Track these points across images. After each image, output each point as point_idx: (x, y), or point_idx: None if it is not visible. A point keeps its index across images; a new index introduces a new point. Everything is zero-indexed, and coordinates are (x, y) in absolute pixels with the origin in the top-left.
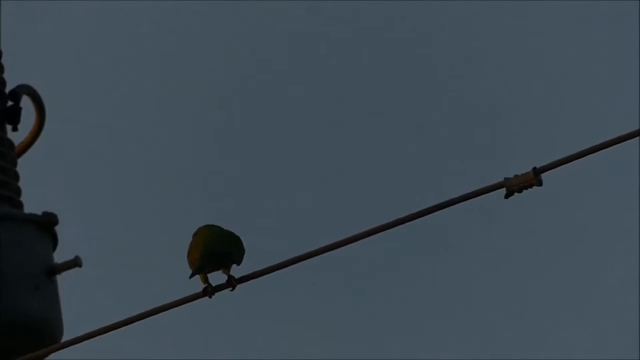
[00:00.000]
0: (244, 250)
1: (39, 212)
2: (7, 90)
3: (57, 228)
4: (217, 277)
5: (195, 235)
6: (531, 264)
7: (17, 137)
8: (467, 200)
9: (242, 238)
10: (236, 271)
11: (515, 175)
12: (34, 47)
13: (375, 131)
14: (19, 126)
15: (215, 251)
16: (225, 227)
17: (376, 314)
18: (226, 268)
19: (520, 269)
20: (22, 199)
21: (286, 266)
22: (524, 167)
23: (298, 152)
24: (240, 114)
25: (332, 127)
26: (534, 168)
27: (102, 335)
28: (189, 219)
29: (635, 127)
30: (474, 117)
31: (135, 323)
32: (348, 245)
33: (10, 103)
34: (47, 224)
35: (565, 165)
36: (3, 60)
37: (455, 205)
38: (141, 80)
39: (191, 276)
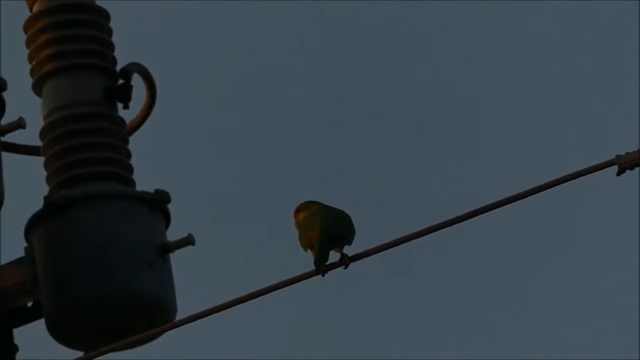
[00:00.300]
0: (355, 231)
1: (151, 190)
2: (118, 68)
3: (169, 206)
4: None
5: (302, 212)
6: (530, 264)
7: (128, 115)
8: (578, 177)
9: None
10: (347, 249)
11: (627, 153)
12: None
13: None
14: (130, 104)
15: (336, 234)
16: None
17: (376, 314)
18: (340, 247)
19: (520, 269)
20: (134, 176)
21: (399, 244)
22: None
23: (299, 153)
24: (241, 113)
25: (332, 127)
26: None
27: (215, 315)
28: (297, 195)
29: None
30: (584, 93)
31: (248, 302)
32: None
33: (121, 81)
34: (159, 202)
35: None
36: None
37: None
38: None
39: (318, 263)
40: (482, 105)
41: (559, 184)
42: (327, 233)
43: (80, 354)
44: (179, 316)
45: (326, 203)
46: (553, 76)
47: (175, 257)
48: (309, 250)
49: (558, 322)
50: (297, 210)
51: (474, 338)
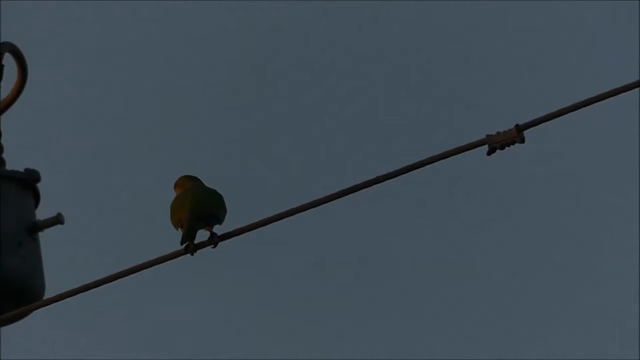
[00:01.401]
0: (226, 210)
1: (21, 169)
2: None
3: (39, 185)
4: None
5: (177, 188)
6: (530, 264)
7: None
8: (448, 157)
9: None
10: (217, 227)
11: (498, 132)
12: (36, 45)
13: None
14: (1, 84)
15: (204, 213)
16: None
17: (376, 313)
18: (209, 226)
19: (519, 269)
20: (4, 155)
21: (268, 223)
22: (506, 124)
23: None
24: (240, 112)
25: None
26: (517, 125)
27: (83, 293)
28: (169, 174)
29: (615, 85)
30: (456, 73)
31: (117, 281)
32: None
33: None
34: (29, 181)
35: (548, 122)
36: None
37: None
38: (144, 79)
39: (183, 242)
40: (465, 61)
41: (428, 164)
42: (196, 212)
43: None
44: (47, 295)
45: (205, 179)
46: (538, 33)
47: (44, 236)
48: (179, 229)
49: (557, 322)
50: (175, 185)
51: (473, 338)
